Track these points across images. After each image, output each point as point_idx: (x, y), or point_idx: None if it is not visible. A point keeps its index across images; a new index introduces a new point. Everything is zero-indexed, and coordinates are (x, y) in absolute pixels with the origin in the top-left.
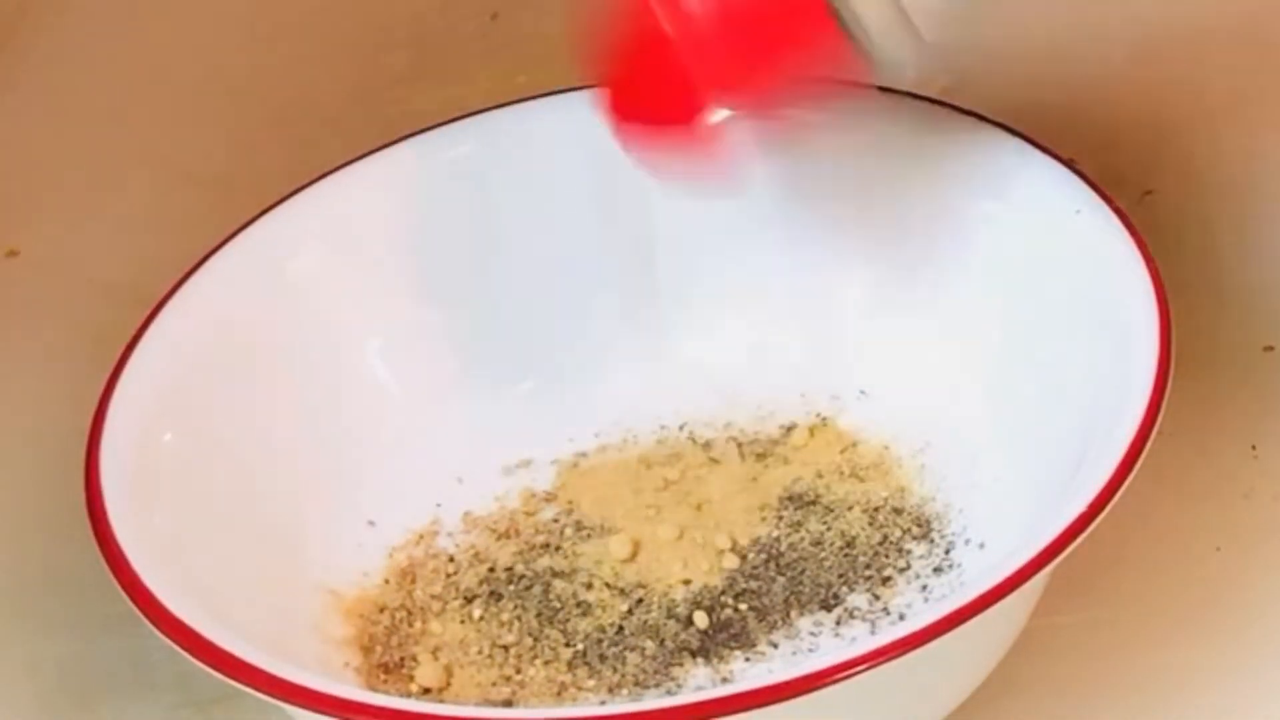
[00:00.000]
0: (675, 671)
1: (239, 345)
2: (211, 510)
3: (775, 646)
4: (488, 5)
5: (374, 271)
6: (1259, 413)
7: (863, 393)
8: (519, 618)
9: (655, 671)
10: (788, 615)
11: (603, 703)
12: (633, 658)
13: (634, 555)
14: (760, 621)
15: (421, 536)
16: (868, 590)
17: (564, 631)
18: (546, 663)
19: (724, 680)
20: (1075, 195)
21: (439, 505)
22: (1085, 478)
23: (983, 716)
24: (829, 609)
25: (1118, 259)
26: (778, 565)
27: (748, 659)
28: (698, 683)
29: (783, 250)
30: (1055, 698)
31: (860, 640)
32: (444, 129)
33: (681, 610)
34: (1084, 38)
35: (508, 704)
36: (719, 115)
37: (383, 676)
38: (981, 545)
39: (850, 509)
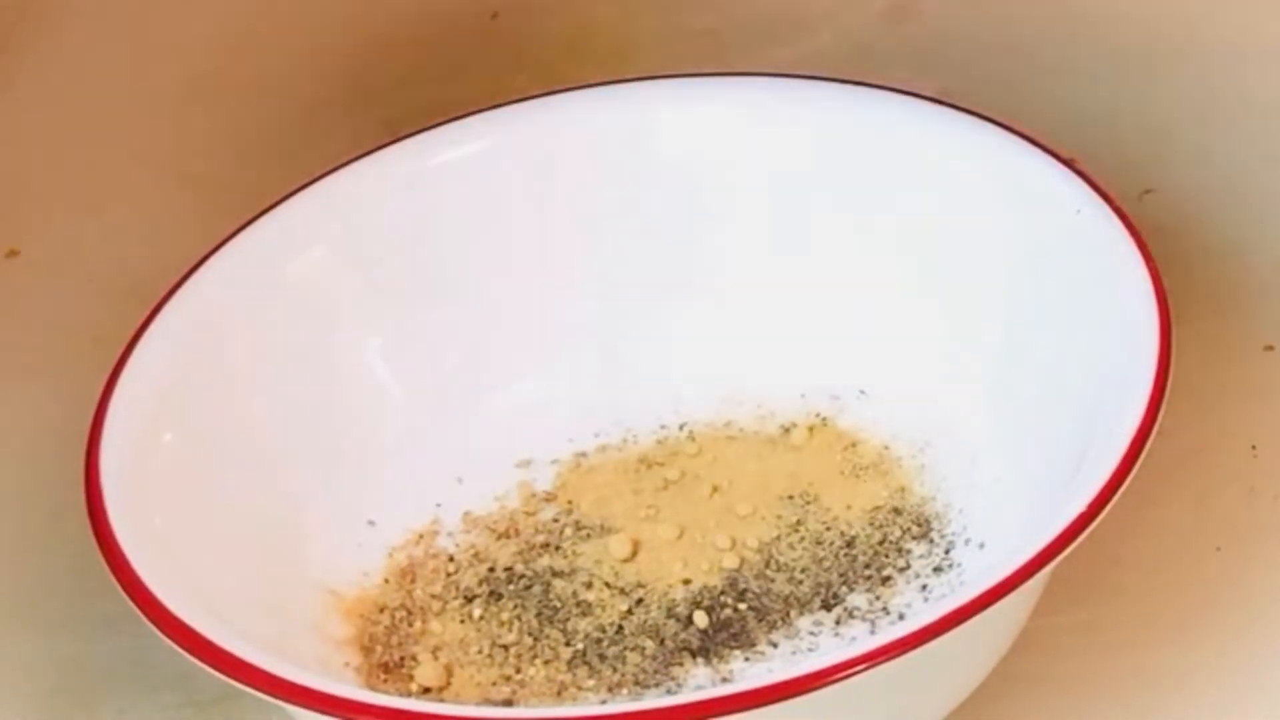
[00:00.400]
0: (675, 671)
1: (239, 345)
2: (211, 510)
3: (775, 646)
4: (488, 5)
5: (374, 271)
6: (1259, 413)
7: (863, 392)
8: (519, 617)
9: (655, 671)
10: (788, 615)
11: (603, 702)
12: (633, 657)
13: (634, 555)
14: (760, 621)
15: (421, 536)
16: (868, 590)
17: (564, 631)
18: (546, 662)
19: (724, 680)
20: (1075, 195)
21: (439, 505)
22: (1085, 478)
23: (983, 716)
24: (829, 609)
25: (1118, 259)
26: (778, 565)
27: (748, 659)
28: (698, 682)
29: (783, 250)
30: (1055, 698)
31: (860, 640)
32: (444, 129)
33: (681, 610)
34: (1084, 38)
35: (508, 703)
36: None
37: (383, 676)
38: (981, 545)
39: (850, 508)
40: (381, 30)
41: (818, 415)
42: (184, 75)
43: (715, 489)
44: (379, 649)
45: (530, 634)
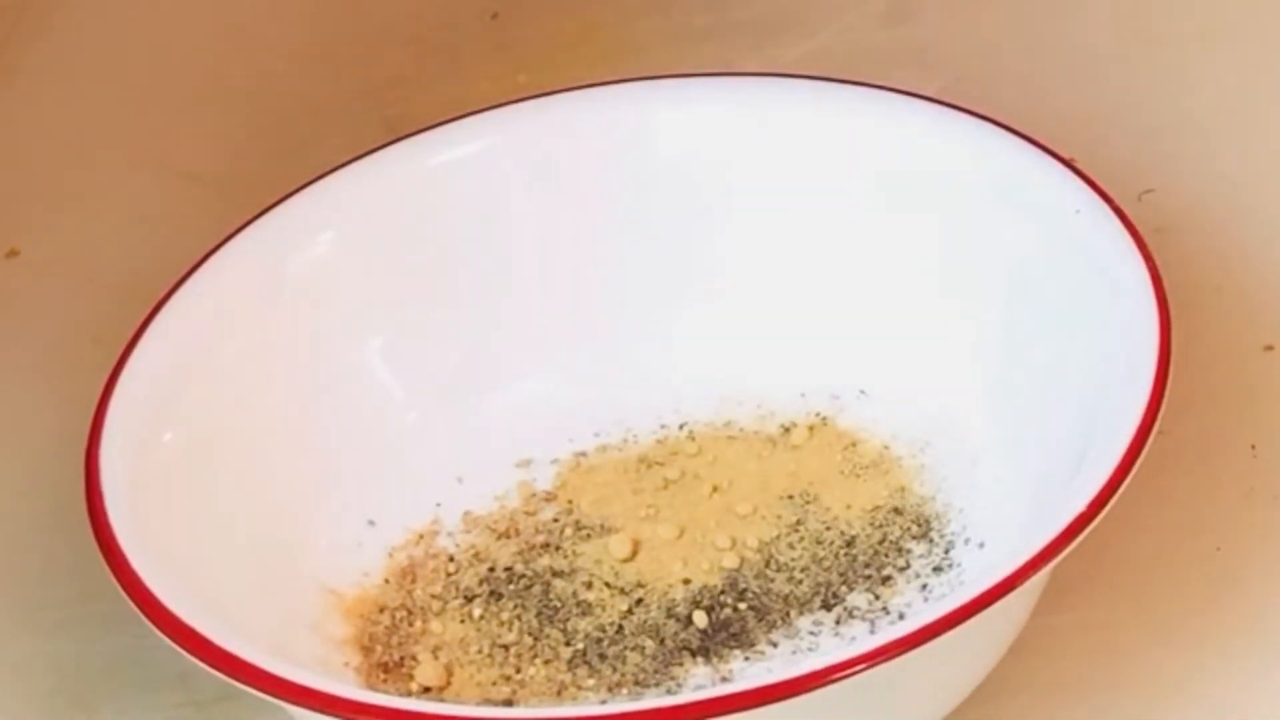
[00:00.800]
0: (675, 671)
1: (239, 345)
2: (211, 510)
3: (775, 646)
4: (488, 5)
5: (374, 271)
6: (1259, 413)
7: (863, 392)
8: (519, 617)
9: (655, 671)
10: (787, 615)
11: (603, 702)
12: (633, 657)
13: (634, 555)
14: (760, 621)
15: (422, 536)
16: (868, 590)
17: (564, 631)
18: (546, 662)
19: (724, 680)
20: (1075, 195)
21: (439, 505)
22: (1085, 478)
23: (983, 716)
24: (829, 608)
25: (1118, 259)
26: (778, 565)
27: (747, 658)
28: (698, 682)
29: (782, 250)
30: (1055, 698)
31: (860, 640)
32: (444, 129)
33: (681, 610)
34: (1084, 38)
35: (508, 703)
36: None
37: (383, 676)
38: (981, 545)
39: (850, 508)
40: (381, 30)
41: (818, 415)
42: (184, 75)
43: (715, 489)
44: (379, 649)
45: (530, 634)
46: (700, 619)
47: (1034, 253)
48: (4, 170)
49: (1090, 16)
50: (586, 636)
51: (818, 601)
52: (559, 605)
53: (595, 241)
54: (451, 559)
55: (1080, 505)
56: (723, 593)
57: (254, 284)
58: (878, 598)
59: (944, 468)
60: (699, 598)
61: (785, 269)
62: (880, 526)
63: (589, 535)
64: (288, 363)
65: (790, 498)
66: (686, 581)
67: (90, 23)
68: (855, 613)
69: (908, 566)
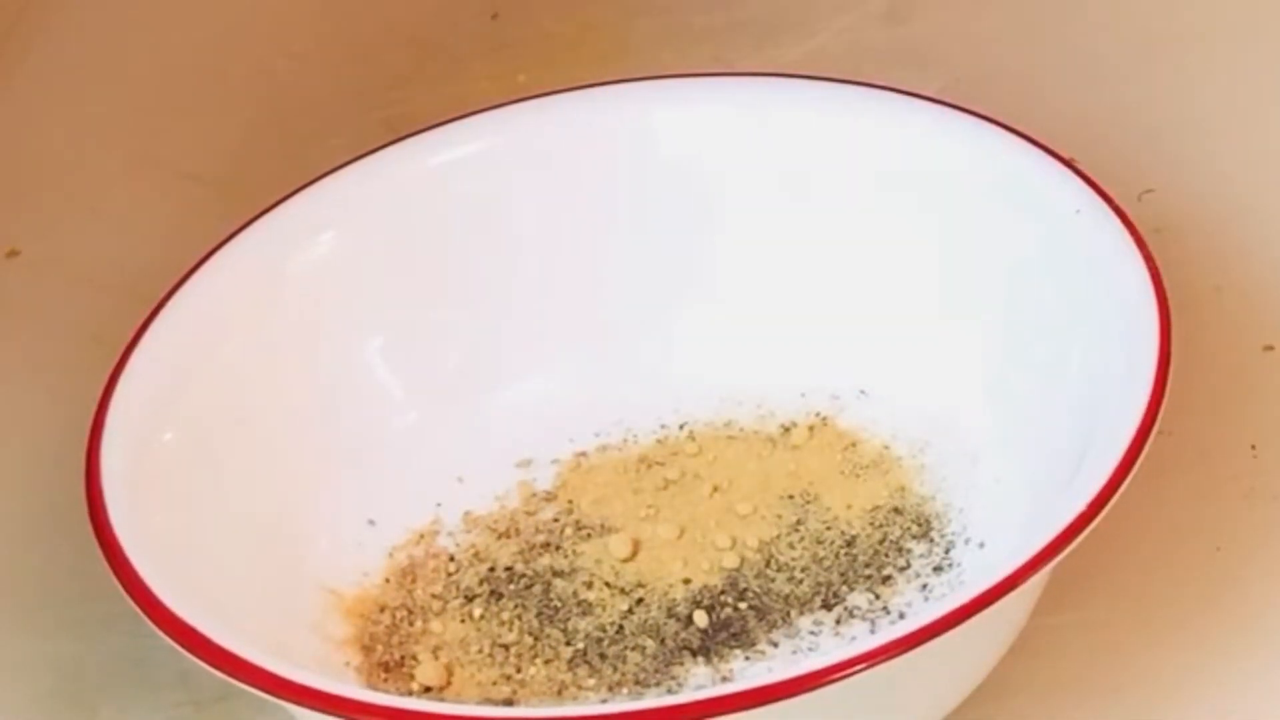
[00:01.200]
0: (675, 670)
1: (239, 345)
2: (211, 510)
3: (775, 646)
4: (488, 5)
5: (374, 271)
6: (1259, 413)
7: (863, 392)
8: (519, 617)
9: (655, 670)
10: (788, 614)
11: (603, 701)
12: (633, 657)
13: (634, 555)
14: (760, 621)
15: (422, 536)
16: (868, 589)
17: (564, 630)
18: (547, 662)
19: (724, 679)
20: (1075, 195)
21: (439, 505)
22: (1085, 478)
23: (983, 716)
24: (829, 608)
25: (1118, 259)
26: (778, 564)
27: (748, 658)
28: (698, 682)
29: (782, 250)
30: (1055, 698)
31: (860, 639)
32: (444, 129)
33: (681, 609)
34: (1084, 38)
35: (508, 703)
36: None
37: (383, 675)
38: (981, 545)
39: (850, 508)
40: (381, 30)
41: (818, 415)
42: (184, 75)
43: (715, 489)
44: (379, 648)
45: (530, 633)
46: (700, 619)
47: (1034, 253)
48: (4, 170)
49: (1090, 16)
50: (587, 636)
51: (818, 601)
52: (559, 605)
53: (595, 241)
54: (452, 559)
55: (1080, 505)
56: (723, 592)
57: (254, 284)
58: (878, 597)
59: (944, 468)
60: (699, 597)
61: (785, 269)
62: (880, 526)
63: (589, 535)
64: (288, 363)
65: (790, 498)
66: (687, 581)
67: (90, 23)
68: (855, 612)
69: (908, 566)
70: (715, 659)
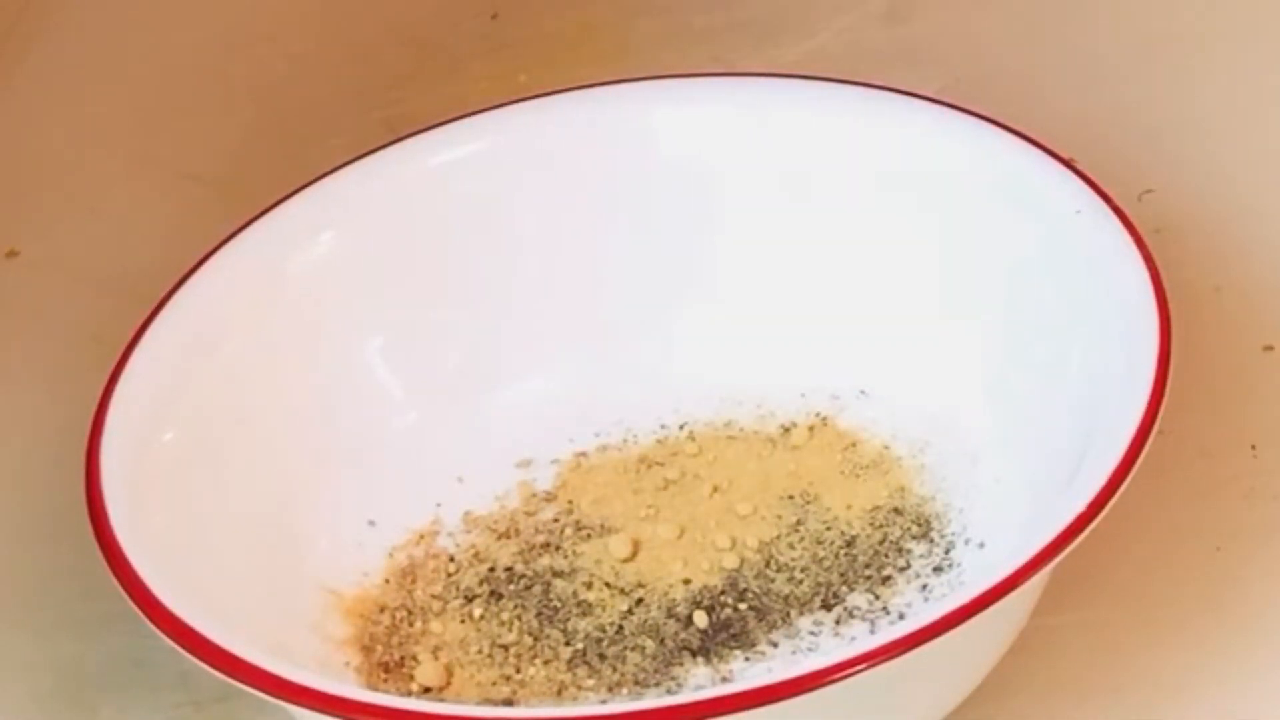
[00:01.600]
0: (675, 671)
1: (239, 345)
2: (212, 510)
3: (775, 646)
4: (488, 5)
5: (374, 271)
6: (1259, 413)
7: (863, 393)
8: (519, 617)
9: (655, 671)
10: (788, 615)
11: (603, 702)
12: (633, 657)
13: (634, 555)
14: (760, 621)
15: (422, 536)
16: (868, 590)
17: (564, 631)
18: (546, 662)
19: (724, 680)
20: (1075, 195)
21: (439, 505)
22: (1085, 478)
23: (983, 716)
24: (829, 608)
25: (1118, 259)
26: (778, 565)
27: (748, 658)
28: (698, 682)
29: (782, 250)
30: (1055, 698)
31: (860, 640)
32: (444, 129)
33: (681, 610)
34: (1084, 38)
35: (508, 703)
36: None
37: (383, 676)
38: (981, 545)
39: (850, 508)
40: (381, 30)
41: (818, 415)
42: (184, 75)
43: (715, 489)
44: (379, 649)
45: (530, 634)
46: (700, 619)
47: (1034, 253)
48: (4, 170)
49: (1090, 16)
50: (586, 636)
51: (818, 601)
52: (559, 605)
53: (595, 241)
54: (452, 559)
55: (1080, 505)
56: (723, 593)
57: (254, 284)
58: (878, 598)
59: (944, 468)
60: (699, 598)
61: (785, 269)
62: (880, 526)
63: (589, 535)
64: (288, 363)
65: (790, 498)
66: (687, 581)
67: (90, 22)
68: (855, 613)
69: (908, 566)
70: (715, 659)
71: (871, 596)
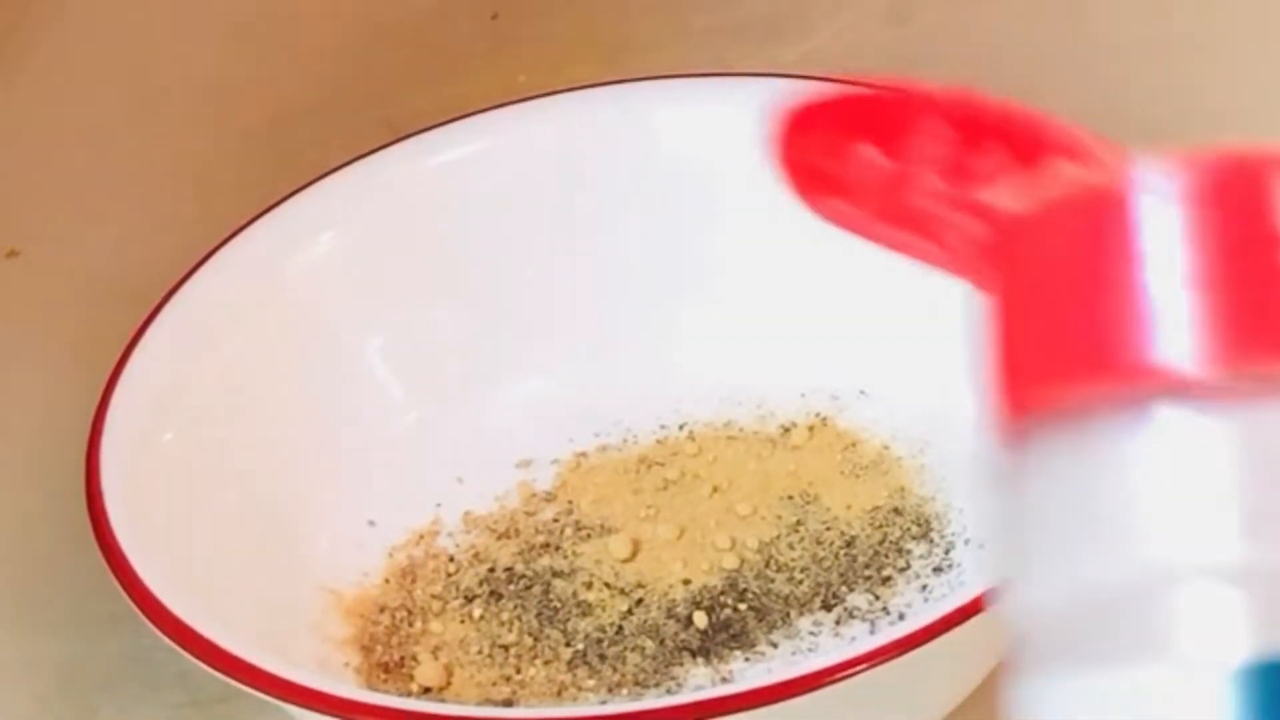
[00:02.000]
0: (675, 671)
1: (239, 345)
2: (211, 510)
3: (775, 646)
4: (488, 5)
5: (374, 271)
6: None
7: (863, 393)
8: (519, 617)
9: (655, 671)
10: (788, 615)
11: (603, 702)
12: (633, 657)
13: (634, 555)
14: (760, 621)
15: (422, 536)
16: (868, 590)
17: (564, 631)
18: (546, 662)
19: (724, 680)
20: None
21: (439, 505)
22: None
23: (983, 716)
24: (829, 609)
25: None
26: (778, 565)
27: (748, 659)
28: (698, 682)
29: (782, 250)
30: None
31: (860, 640)
32: (444, 129)
33: (681, 610)
34: (1084, 37)
35: (508, 703)
36: None
37: (383, 676)
38: (981, 545)
39: (850, 508)
40: (381, 30)
41: (818, 415)
42: (184, 75)
43: (715, 489)
44: (379, 649)
45: (530, 634)
46: (700, 619)
47: None
48: (4, 170)
49: (1090, 16)
50: (586, 637)
51: (818, 602)
52: (559, 605)
53: (595, 242)
54: (451, 559)
55: None
56: (723, 593)
57: (254, 284)
58: (878, 598)
59: (944, 468)
60: (699, 598)
61: (785, 269)
62: (880, 527)
63: (589, 535)
64: (288, 362)
65: (790, 498)
66: (686, 582)
67: (91, 23)
68: (855, 613)
69: (908, 567)
70: (715, 660)
71: (871, 597)
